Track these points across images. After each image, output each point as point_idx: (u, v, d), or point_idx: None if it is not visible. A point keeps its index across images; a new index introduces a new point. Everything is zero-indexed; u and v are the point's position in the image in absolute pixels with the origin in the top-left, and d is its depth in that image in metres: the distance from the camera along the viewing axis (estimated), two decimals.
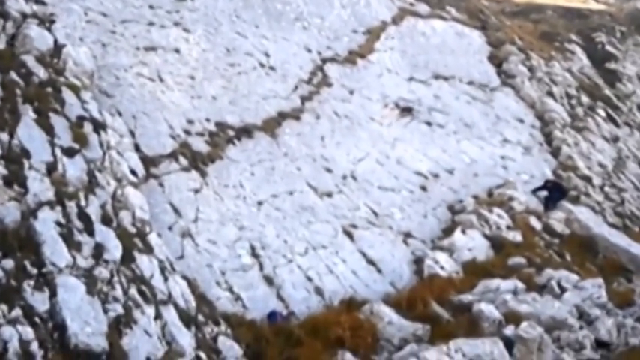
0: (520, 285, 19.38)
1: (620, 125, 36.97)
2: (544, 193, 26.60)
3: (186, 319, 13.63)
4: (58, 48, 16.84)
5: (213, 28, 24.41)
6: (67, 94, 15.56)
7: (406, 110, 28.64)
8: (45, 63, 16.04)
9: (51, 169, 13.34)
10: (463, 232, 22.30)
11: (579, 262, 22.69)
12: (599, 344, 16.87)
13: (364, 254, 20.08)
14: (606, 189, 30.60)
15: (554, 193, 26.29)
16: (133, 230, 14.22)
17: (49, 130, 14.13)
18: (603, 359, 15.75)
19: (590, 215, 26.28)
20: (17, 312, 10.59)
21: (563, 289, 19.60)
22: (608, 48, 44.12)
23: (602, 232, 24.77)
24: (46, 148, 13.70)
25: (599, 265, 22.96)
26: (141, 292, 12.85)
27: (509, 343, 15.79)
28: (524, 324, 16.26)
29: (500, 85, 33.93)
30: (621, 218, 29.08)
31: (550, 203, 25.92)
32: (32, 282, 11.16)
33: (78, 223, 12.82)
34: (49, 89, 15.31)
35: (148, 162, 17.62)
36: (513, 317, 17.31)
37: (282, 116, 23.18)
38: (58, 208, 12.72)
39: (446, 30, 35.21)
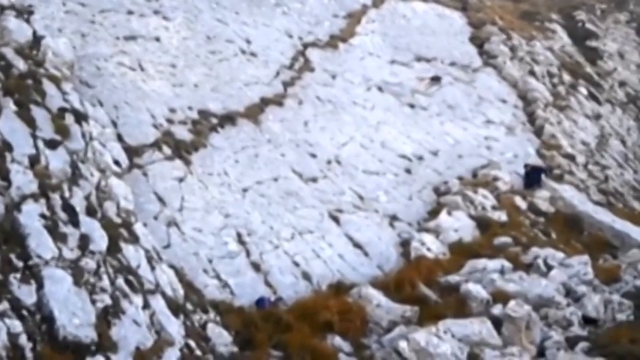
0: (507, 264, 19.46)
1: (602, 103, 37.14)
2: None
3: (175, 308, 13.61)
4: (37, 39, 16.72)
5: (193, 16, 24.32)
6: (48, 86, 15.45)
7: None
8: (24, 55, 15.91)
9: (33, 161, 13.24)
10: (449, 213, 22.35)
11: (565, 240, 22.83)
12: (587, 321, 16.97)
13: (351, 238, 20.09)
14: (590, 167, 30.76)
15: (534, 175, 26.30)
16: (118, 220, 14.17)
17: (31, 123, 14.02)
18: (591, 335, 15.82)
19: (575, 193, 26.41)
20: (4, 305, 10.52)
21: (549, 267, 19.71)
22: (589, 26, 44.26)
23: (587, 209, 24.91)
24: (28, 141, 13.60)
25: (585, 243, 23.11)
26: (128, 282, 12.81)
27: (497, 323, 15.87)
28: (511, 303, 16.32)
29: (482, 66, 33.99)
30: (605, 195, 29.25)
31: (531, 185, 25.93)
32: (18, 275, 11.09)
33: (62, 215, 12.75)
34: (30, 81, 15.19)
35: (131, 152, 17.56)
36: (501, 296, 17.37)
37: (264, 102, 23.14)
38: (42, 201, 12.64)
39: (427, 12, 35.23)
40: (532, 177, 26.26)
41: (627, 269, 20.27)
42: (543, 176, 26.55)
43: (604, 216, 24.62)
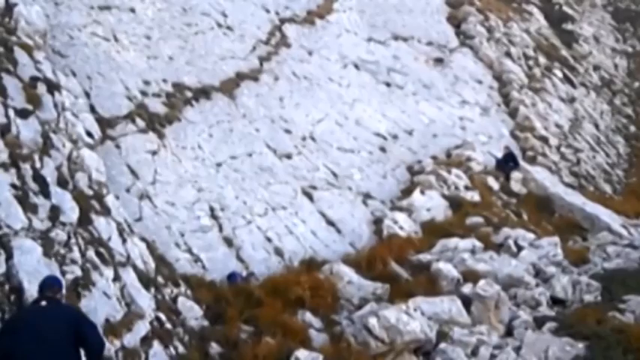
0: (478, 244, 19.60)
1: (576, 86, 37.39)
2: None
3: (146, 281, 13.52)
4: (9, 7, 16.36)
5: None
6: (20, 54, 15.16)
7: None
8: None
9: (4, 130, 13.02)
10: (422, 192, 22.45)
11: (536, 221, 23.03)
12: (555, 301, 17.14)
13: (324, 215, 20.11)
14: (562, 149, 31.01)
15: (508, 162, 26.35)
16: (89, 192, 14.01)
17: (2, 92, 13.76)
18: (558, 316, 15.99)
19: (547, 175, 26.64)
20: None
21: (519, 248, 19.90)
22: (565, 9, 44.48)
23: (558, 191, 25.14)
24: None
25: (555, 224, 23.33)
26: (99, 254, 12.69)
27: (467, 301, 15.99)
28: (481, 282, 16.44)
29: (458, 46, 34.06)
30: (577, 178, 29.54)
31: (504, 170, 25.99)
32: None
33: (33, 185, 12.58)
34: (1, 49, 14.89)
35: (104, 123, 17.34)
36: (471, 276, 17.48)
37: (240, 77, 22.99)
38: (13, 170, 12.45)
39: None
40: (506, 161, 26.28)
41: (596, 251, 20.52)
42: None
43: (575, 198, 24.87)
